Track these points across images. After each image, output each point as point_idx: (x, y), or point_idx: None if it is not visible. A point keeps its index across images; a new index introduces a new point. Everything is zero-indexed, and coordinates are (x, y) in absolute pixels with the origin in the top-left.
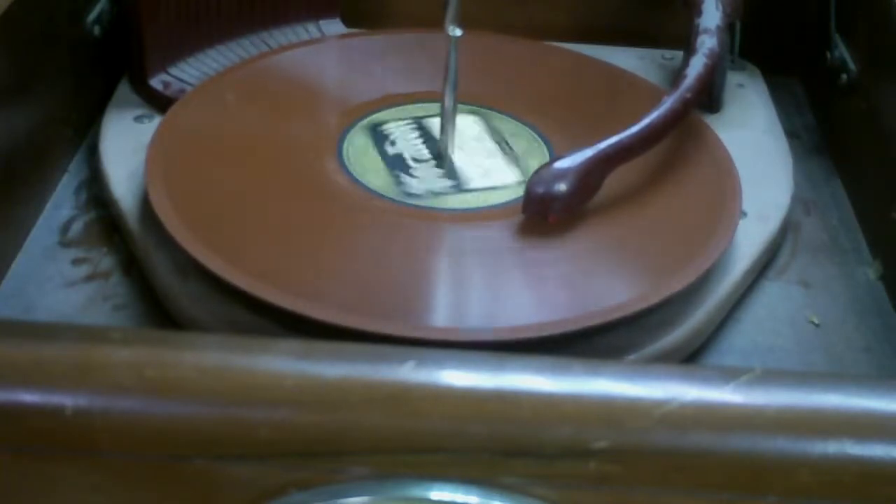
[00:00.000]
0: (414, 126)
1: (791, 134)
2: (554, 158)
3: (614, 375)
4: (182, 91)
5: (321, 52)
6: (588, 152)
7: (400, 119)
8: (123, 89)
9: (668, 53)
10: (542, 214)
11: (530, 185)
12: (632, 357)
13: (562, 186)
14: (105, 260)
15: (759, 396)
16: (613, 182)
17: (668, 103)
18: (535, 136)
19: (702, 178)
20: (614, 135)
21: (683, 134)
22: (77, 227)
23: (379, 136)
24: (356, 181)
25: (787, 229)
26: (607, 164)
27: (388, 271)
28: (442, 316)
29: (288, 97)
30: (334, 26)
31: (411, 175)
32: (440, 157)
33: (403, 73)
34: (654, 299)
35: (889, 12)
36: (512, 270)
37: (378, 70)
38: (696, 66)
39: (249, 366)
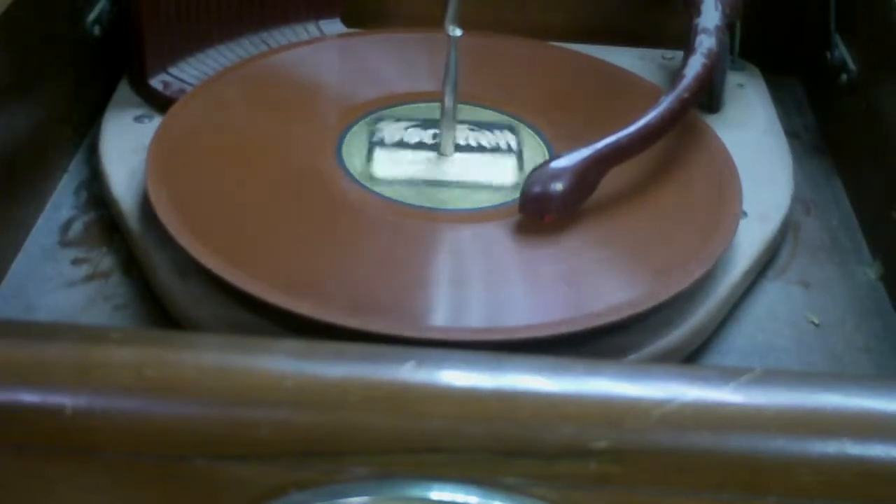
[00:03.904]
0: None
1: (791, 134)
2: (550, 158)
3: (614, 375)
4: (182, 91)
5: (321, 52)
6: (584, 152)
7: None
8: (123, 89)
9: (668, 53)
10: (539, 214)
11: (527, 184)
12: (632, 357)
13: (558, 186)
14: (105, 260)
15: (759, 396)
16: (614, 182)
17: (665, 103)
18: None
19: (702, 178)
20: (611, 134)
21: (683, 134)
22: (77, 227)
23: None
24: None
25: (787, 229)
26: (604, 163)
27: (387, 271)
28: (441, 316)
29: (288, 97)
30: (334, 26)
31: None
32: (440, 157)
33: (403, 73)
34: (654, 299)
35: (889, 12)
36: (511, 270)
37: (378, 70)
38: (695, 65)
39: (249, 366)
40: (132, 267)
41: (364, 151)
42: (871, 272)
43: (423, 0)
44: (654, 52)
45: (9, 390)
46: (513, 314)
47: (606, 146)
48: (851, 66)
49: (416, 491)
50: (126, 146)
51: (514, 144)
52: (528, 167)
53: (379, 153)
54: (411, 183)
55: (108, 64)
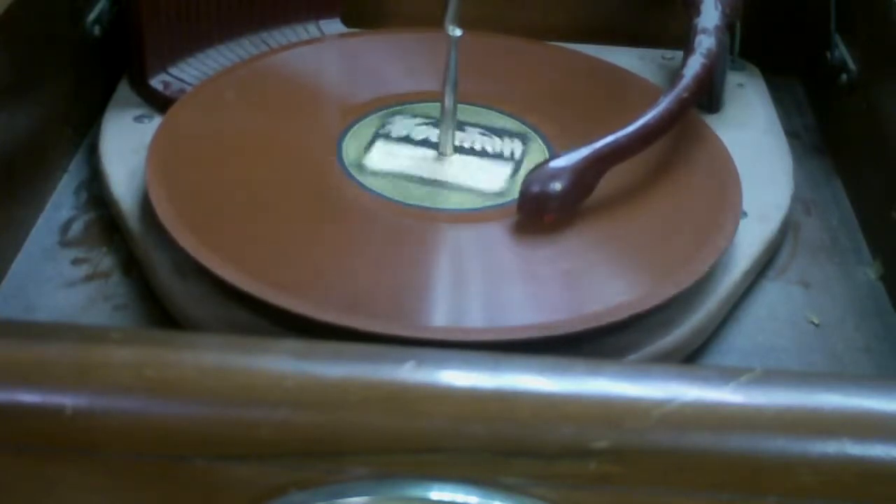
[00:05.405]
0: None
1: (791, 134)
2: (549, 157)
3: (614, 375)
4: (182, 91)
5: (321, 52)
6: (583, 151)
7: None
8: (123, 89)
9: (668, 53)
10: (538, 213)
11: (526, 183)
12: (632, 357)
13: (557, 185)
14: (105, 260)
15: (759, 396)
16: (614, 182)
17: (664, 103)
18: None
19: (702, 178)
20: (610, 134)
21: (683, 134)
22: (77, 227)
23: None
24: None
25: (787, 229)
26: (603, 163)
27: (386, 271)
28: (441, 316)
29: (288, 97)
30: (334, 26)
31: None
32: (441, 156)
33: (403, 73)
34: (654, 299)
35: (889, 12)
36: (511, 270)
37: (378, 70)
38: (694, 65)
39: (249, 366)
40: (132, 267)
41: (364, 146)
42: (871, 272)
43: (423, 0)
44: (654, 52)
45: (9, 390)
46: (512, 314)
47: (605, 146)
48: (851, 66)
49: (416, 491)
50: (126, 146)
51: (516, 149)
52: (524, 173)
53: (379, 146)
54: (407, 179)
55: (108, 64)
